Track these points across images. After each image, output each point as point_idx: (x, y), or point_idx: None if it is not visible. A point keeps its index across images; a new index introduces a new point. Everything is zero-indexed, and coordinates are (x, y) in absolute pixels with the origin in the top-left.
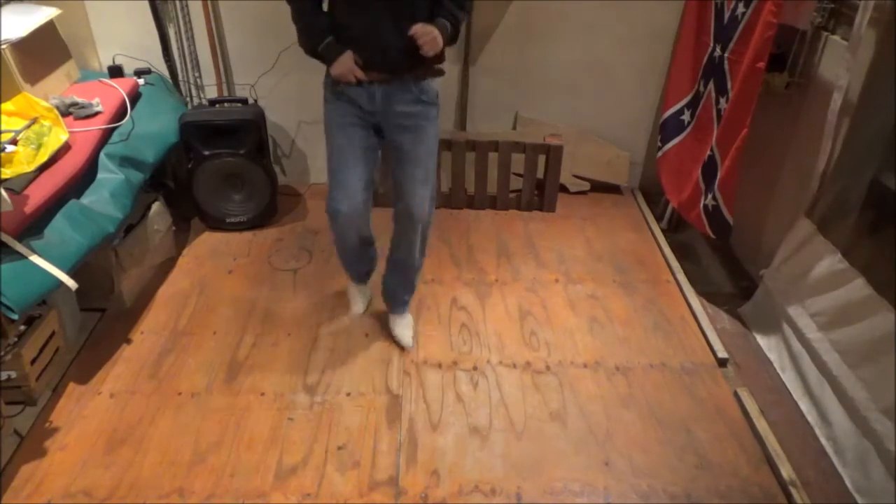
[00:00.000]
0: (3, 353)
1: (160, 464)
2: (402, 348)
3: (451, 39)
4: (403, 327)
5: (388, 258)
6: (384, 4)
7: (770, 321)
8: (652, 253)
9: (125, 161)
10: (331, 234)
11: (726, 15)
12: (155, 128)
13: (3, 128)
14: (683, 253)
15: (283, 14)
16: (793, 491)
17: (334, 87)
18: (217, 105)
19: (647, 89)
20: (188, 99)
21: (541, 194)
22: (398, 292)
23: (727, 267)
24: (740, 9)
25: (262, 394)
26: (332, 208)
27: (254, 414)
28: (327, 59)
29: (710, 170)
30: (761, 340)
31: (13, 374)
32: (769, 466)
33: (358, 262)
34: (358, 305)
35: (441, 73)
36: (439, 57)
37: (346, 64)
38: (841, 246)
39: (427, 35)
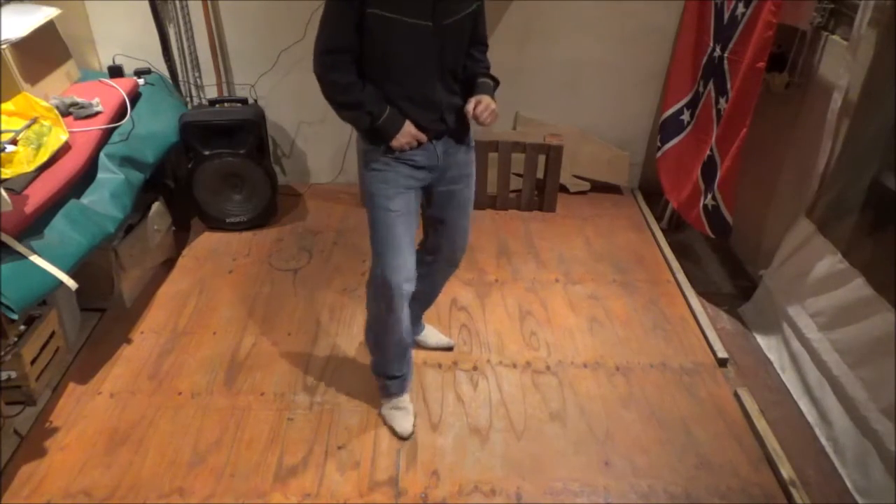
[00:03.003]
0: (3, 353)
1: (160, 464)
2: (448, 349)
3: (494, 90)
4: (437, 335)
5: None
6: (432, 65)
7: (770, 321)
8: (652, 253)
9: (125, 161)
10: (376, 311)
11: (726, 15)
12: (155, 128)
13: (3, 128)
14: (683, 253)
15: (283, 14)
16: (793, 491)
17: (388, 153)
18: (217, 105)
19: (646, 89)
20: (188, 99)
21: (541, 194)
22: (417, 315)
23: (727, 267)
24: (740, 9)
25: (262, 394)
26: (388, 280)
27: (254, 414)
28: (387, 131)
29: (709, 170)
30: (761, 340)
31: (13, 374)
32: (769, 466)
33: (399, 360)
34: (406, 422)
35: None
36: None
37: (409, 133)
38: (841, 246)
39: (486, 114)
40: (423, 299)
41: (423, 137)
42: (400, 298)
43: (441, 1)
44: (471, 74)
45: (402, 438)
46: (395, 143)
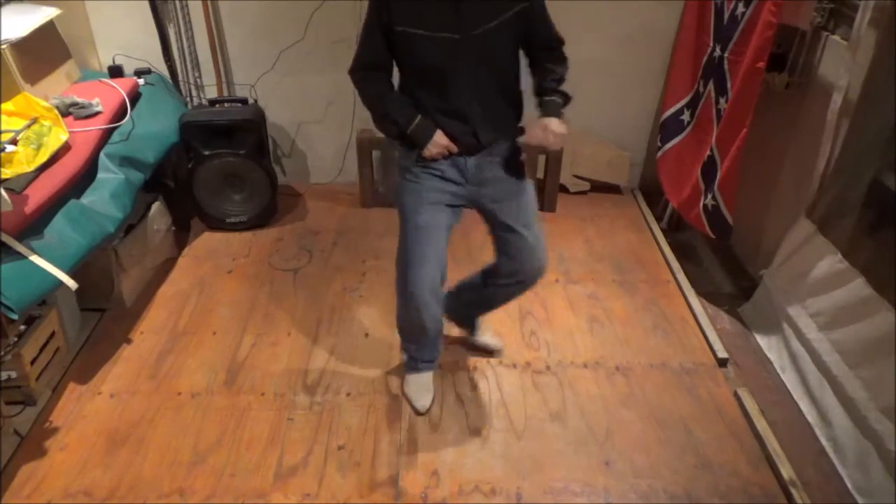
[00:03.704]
0: (3, 353)
1: (160, 464)
2: (489, 352)
3: (564, 106)
4: (489, 336)
5: (473, 295)
6: (465, 79)
7: (770, 321)
8: (652, 253)
9: (125, 161)
10: (401, 314)
11: (726, 15)
12: (155, 128)
13: (3, 128)
14: (683, 253)
15: (283, 14)
16: (793, 491)
17: (420, 162)
18: (217, 105)
19: (646, 89)
20: (188, 99)
21: (541, 194)
22: (472, 316)
23: (727, 267)
24: (740, 9)
25: (262, 394)
26: (410, 291)
27: (254, 414)
28: (418, 140)
29: (709, 170)
30: (761, 340)
31: (13, 374)
32: (769, 466)
33: (425, 348)
34: (424, 398)
35: (523, 131)
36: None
37: (439, 143)
38: (841, 246)
39: (552, 140)
40: (481, 306)
41: (453, 148)
42: (422, 305)
43: (465, 10)
44: (538, 89)
45: (417, 413)
46: (426, 152)
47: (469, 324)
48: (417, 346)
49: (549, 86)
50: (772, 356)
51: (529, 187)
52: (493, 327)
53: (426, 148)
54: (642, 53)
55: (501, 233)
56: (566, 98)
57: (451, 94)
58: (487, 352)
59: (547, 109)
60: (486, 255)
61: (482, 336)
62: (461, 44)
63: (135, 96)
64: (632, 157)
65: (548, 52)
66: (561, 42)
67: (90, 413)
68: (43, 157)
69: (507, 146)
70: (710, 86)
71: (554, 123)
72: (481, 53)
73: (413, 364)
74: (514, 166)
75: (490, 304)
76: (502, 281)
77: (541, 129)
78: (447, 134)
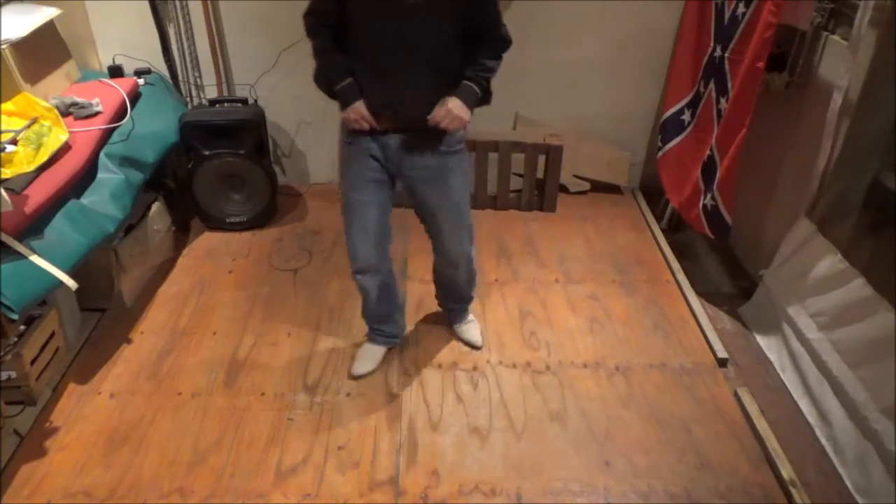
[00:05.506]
0: (3, 353)
1: (160, 464)
2: (474, 347)
3: (482, 101)
4: (471, 330)
5: (435, 282)
6: (407, 49)
7: (770, 321)
8: (652, 253)
9: (125, 161)
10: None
11: (727, 15)
12: (155, 128)
13: (3, 128)
14: (683, 253)
15: (283, 14)
16: (793, 491)
17: (349, 137)
18: (217, 105)
19: (647, 89)
20: (188, 99)
21: (541, 194)
22: (452, 308)
23: (727, 267)
24: (740, 9)
25: (262, 394)
26: (350, 260)
27: (254, 414)
28: (342, 101)
29: (709, 170)
30: (761, 340)
31: (13, 374)
32: (769, 466)
33: (380, 321)
34: (363, 364)
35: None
36: None
37: (358, 111)
38: (841, 246)
39: (448, 120)
40: (441, 291)
41: (371, 121)
42: (360, 274)
43: None
44: (463, 77)
45: (350, 376)
46: (343, 115)
47: (445, 309)
48: (369, 317)
49: (471, 73)
50: (772, 356)
51: (457, 173)
52: (493, 327)
53: (345, 112)
54: (642, 53)
55: (425, 214)
56: (485, 91)
57: (380, 64)
58: (471, 346)
59: (458, 92)
60: (485, 256)
61: (462, 329)
62: (393, 13)
63: (135, 96)
64: (632, 157)
65: (485, 46)
66: (505, 41)
67: (90, 413)
68: (43, 157)
69: (434, 132)
70: (711, 86)
71: (454, 103)
72: (413, 28)
73: (370, 334)
74: (441, 150)
75: (443, 290)
76: (437, 265)
77: (440, 106)
78: (370, 104)
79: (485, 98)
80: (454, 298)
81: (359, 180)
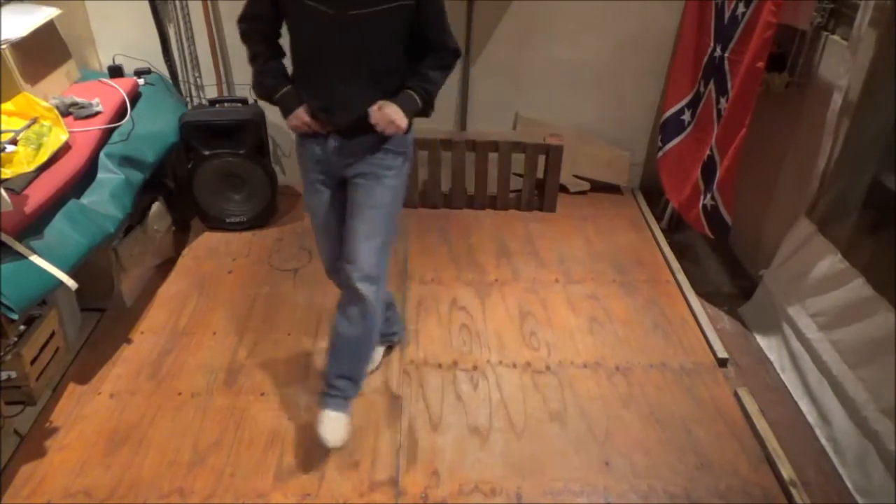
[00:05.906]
0: (3, 353)
1: (160, 464)
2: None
3: (422, 112)
4: (330, 423)
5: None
6: (347, 60)
7: (770, 321)
8: (652, 253)
9: (125, 161)
10: None
11: (727, 15)
12: (155, 128)
13: (3, 128)
14: (683, 253)
15: None
16: (793, 491)
17: (298, 140)
18: (217, 105)
19: (647, 89)
20: (188, 99)
21: (541, 194)
22: (335, 378)
23: (727, 267)
24: (740, 9)
25: (262, 394)
26: (325, 269)
27: (254, 414)
28: (282, 110)
29: (709, 170)
30: (761, 340)
31: (13, 374)
32: (769, 466)
33: (332, 348)
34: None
35: (406, 130)
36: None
37: (300, 118)
38: (841, 246)
39: (384, 123)
40: (333, 345)
41: (315, 126)
42: (335, 283)
43: None
44: (405, 89)
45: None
46: (287, 123)
47: (325, 387)
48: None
49: (412, 84)
50: (772, 356)
51: (390, 179)
52: (493, 327)
53: (287, 119)
54: (642, 53)
55: (347, 215)
56: (426, 102)
57: (319, 69)
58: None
59: (398, 98)
60: (485, 256)
61: (322, 416)
62: (335, 21)
63: (135, 96)
64: (632, 157)
65: (431, 57)
66: (454, 53)
67: (90, 413)
68: (43, 157)
69: (373, 138)
70: (711, 86)
71: (389, 107)
72: (355, 37)
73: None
74: (377, 155)
75: (334, 342)
76: (339, 303)
77: (378, 107)
78: (312, 107)
79: (424, 110)
80: (342, 362)
81: (307, 183)
